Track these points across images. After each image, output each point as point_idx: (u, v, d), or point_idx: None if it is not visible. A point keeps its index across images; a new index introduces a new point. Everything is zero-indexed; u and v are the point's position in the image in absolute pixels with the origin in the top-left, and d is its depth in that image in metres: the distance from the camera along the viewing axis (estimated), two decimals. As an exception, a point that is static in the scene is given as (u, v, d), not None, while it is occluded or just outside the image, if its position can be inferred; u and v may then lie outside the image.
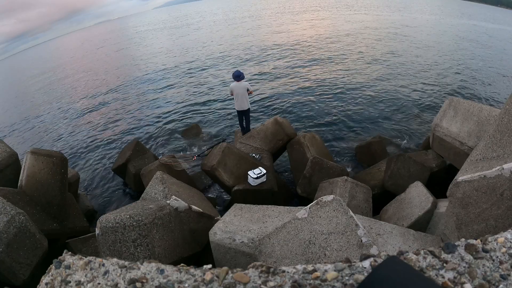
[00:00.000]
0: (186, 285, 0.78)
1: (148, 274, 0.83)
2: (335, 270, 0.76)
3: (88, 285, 0.82)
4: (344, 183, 3.91)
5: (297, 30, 25.21)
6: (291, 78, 12.48)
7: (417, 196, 3.48)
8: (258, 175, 4.54)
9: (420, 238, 2.74)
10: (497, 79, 11.86)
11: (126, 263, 0.87)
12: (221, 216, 3.20)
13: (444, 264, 0.74)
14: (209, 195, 5.58)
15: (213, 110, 10.27)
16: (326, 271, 0.76)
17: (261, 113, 9.53)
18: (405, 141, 7.36)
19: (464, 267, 0.73)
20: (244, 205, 3.08)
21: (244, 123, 6.74)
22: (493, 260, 0.75)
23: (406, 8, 42.36)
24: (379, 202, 4.17)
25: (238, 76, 6.30)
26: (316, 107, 9.50)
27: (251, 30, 28.54)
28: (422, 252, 0.79)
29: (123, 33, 54.63)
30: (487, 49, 17.03)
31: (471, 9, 47.54)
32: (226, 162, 4.73)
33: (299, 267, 0.79)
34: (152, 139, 8.76)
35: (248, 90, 6.37)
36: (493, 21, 32.08)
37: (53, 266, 0.89)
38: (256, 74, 13.54)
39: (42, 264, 3.06)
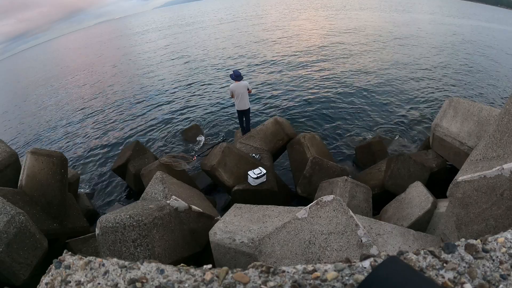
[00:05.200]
0: (186, 285, 0.78)
1: (148, 274, 0.83)
2: (335, 270, 0.76)
3: (88, 285, 0.82)
4: (344, 183, 3.90)
5: (298, 30, 25.20)
6: (291, 78, 12.48)
7: (417, 196, 3.48)
8: (258, 175, 4.53)
9: (420, 238, 2.74)
10: (497, 79, 11.86)
11: (126, 263, 0.87)
12: (221, 216, 3.20)
13: (444, 264, 0.74)
14: (209, 195, 5.58)
15: (213, 110, 10.26)
16: (326, 271, 0.76)
17: (261, 113, 9.53)
18: (405, 141, 7.36)
19: (464, 267, 0.73)
20: (244, 205, 3.08)
21: (244, 123, 6.75)
22: (493, 260, 0.75)
23: (406, 8, 42.35)
24: (379, 202, 4.17)
25: (238, 76, 6.31)
26: (316, 107, 9.50)
27: (251, 30, 28.54)
28: (422, 252, 0.79)
29: (124, 33, 54.62)
30: (487, 49, 17.03)
31: (471, 9, 47.53)
32: (226, 162, 4.73)
33: (299, 267, 0.79)
34: (152, 139, 8.77)
35: (248, 89, 6.38)
36: (493, 21, 32.08)
37: (53, 266, 0.89)
38: (257, 74, 13.54)
39: (42, 264, 3.06)
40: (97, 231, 2.65)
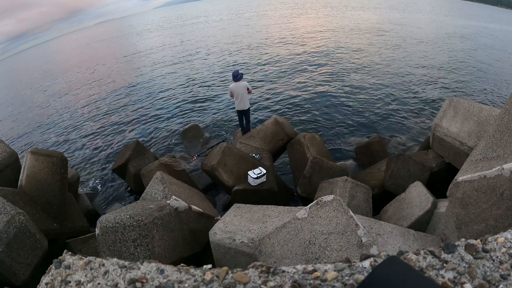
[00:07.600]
0: (186, 285, 0.78)
1: (148, 274, 0.83)
2: (335, 270, 0.76)
3: (88, 285, 0.82)
4: (344, 183, 3.90)
5: (298, 31, 25.20)
6: (292, 79, 12.48)
7: (417, 196, 3.48)
8: (258, 175, 4.53)
9: (420, 238, 2.74)
10: (497, 79, 11.86)
11: (126, 263, 0.87)
12: (221, 216, 3.20)
13: (444, 264, 0.74)
14: (209, 195, 5.58)
15: (213, 110, 10.27)
16: (326, 271, 0.76)
17: (261, 113, 9.53)
18: (405, 141, 7.36)
19: (464, 267, 0.73)
20: (244, 205, 3.08)
21: (244, 123, 6.75)
22: (493, 260, 0.75)
23: (406, 7, 42.37)
24: (379, 202, 4.17)
25: (236, 76, 6.32)
26: (316, 107, 9.50)
27: (251, 30, 28.54)
28: (422, 252, 0.79)
29: (124, 33, 54.61)
30: (487, 49, 17.03)
31: (471, 9, 47.55)
32: (226, 162, 4.73)
33: (299, 267, 0.79)
34: (152, 139, 8.77)
35: (247, 89, 6.38)
36: (493, 21, 32.08)
37: (53, 266, 0.89)
38: (257, 74, 13.54)
39: (42, 264, 3.06)
40: (97, 231, 2.65)
